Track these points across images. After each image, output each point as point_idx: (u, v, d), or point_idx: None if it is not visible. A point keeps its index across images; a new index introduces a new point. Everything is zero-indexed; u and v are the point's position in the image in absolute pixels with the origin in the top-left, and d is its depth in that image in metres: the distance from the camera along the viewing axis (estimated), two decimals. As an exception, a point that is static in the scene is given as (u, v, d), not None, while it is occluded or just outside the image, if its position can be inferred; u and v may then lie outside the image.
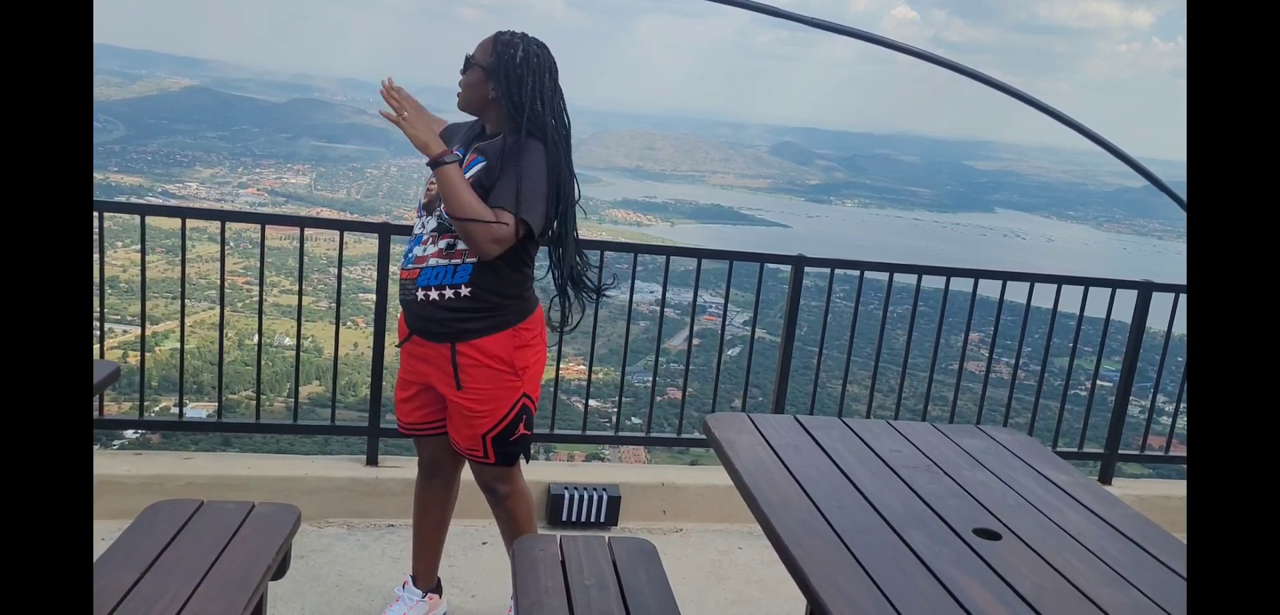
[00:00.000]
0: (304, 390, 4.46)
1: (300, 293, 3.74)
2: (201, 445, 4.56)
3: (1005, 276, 4.06)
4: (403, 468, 3.57)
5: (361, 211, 26.40)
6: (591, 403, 4.17)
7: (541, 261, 2.62)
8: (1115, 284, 4.12)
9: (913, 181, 48.15)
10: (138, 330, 3.64)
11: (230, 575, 2.03)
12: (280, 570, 2.27)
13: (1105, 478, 4.24)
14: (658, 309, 3.89)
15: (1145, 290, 4.08)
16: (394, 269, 3.55)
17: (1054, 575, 1.70)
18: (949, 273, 3.98)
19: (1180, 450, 4.50)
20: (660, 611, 2.15)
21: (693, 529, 3.72)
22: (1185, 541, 1.53)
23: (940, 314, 4.06)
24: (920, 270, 3.99)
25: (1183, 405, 4.43)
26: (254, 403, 3.75)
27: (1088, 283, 4.11)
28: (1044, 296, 4.10)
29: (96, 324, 3.34)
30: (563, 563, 2.30)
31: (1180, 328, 4.38)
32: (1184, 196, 1.20)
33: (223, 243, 3.47)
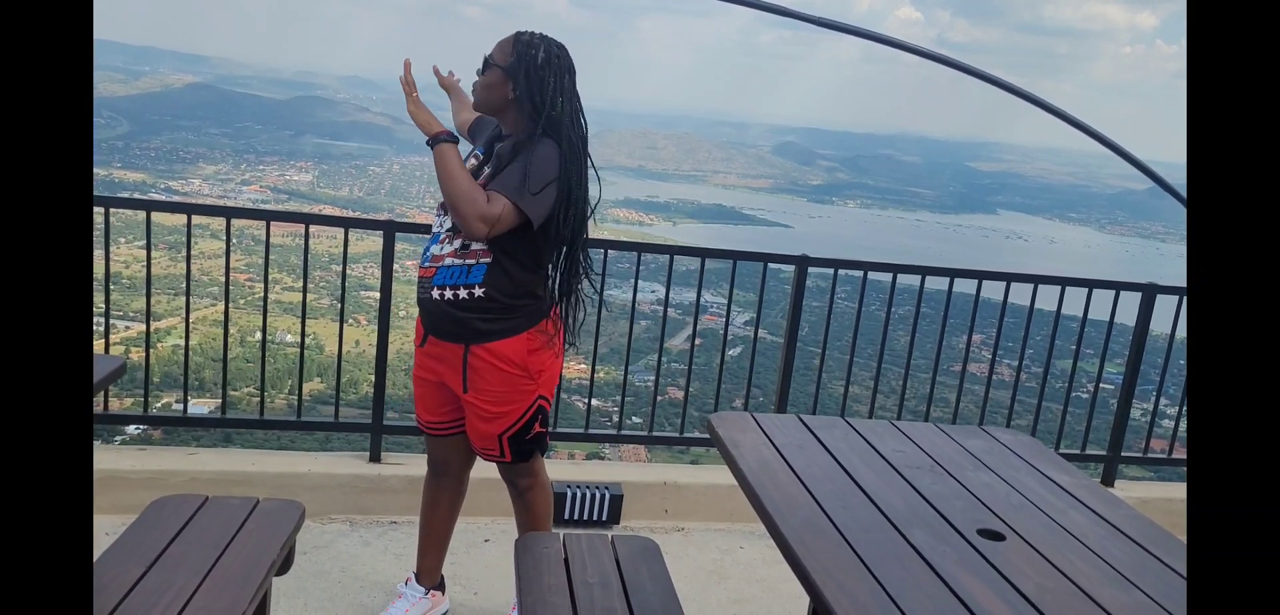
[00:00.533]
0: (307, 387, 4.47)
1: (305, 290, 3.74)
2: (204, 442, 4.57)
3: (1008, 278, 4.06)
4: (406, 465, 3.58)
5: (364, 209, 26.41)
6: (594, 402, 4.18)
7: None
8: (1119, 286, 4.11)
9: (915, 182, 48.10)
10: (141, 326, 3.65)
11: (235, 570, 2.04)
12: (284, 566, 2.28)
13: (1108, 480, 4.24)
14: (660, 309, 3.89)
15: (1149, 293, 4.07)
16: (399, 267, 3.57)
17: (1057, 576, 1.71)
18: (952, 274, 3.98)
19: (1182, 454, 4.50)
20: (663, 609, 2.16)
21: (694, 528, 3.72)
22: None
23: (943, 315, 4.06)
24: (924, 271, 3.99)
25: (1186, 408, 4.43)
26: (257, 399, 3.76)
27: (1091, 284, 4.11)
28: (1047, 298, 4.10)
29: (100, 320, 3.35)
30: (566, 560, 2.30)
31: (1184, 330, 4.38)
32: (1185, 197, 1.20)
33: (228, 239, 3.47)
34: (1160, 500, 4.10)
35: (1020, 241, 37.97)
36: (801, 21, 1.80)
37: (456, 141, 2.44)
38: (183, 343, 3.64)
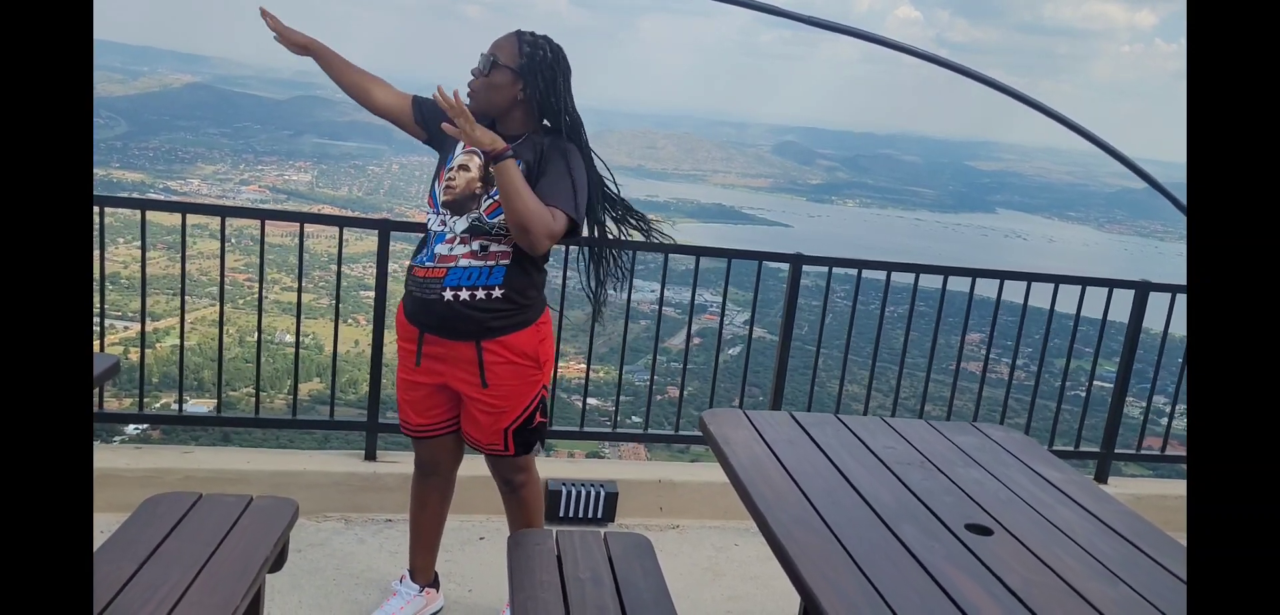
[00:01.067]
0: (304, 387, 4.47)
1: (300, 289, 3.75)
2: (201, 441, 4.58)
3: (1003, 276, 4.07)
4: (401, 463, 3.58)
5: (363, 209, 26.41)
6: (590, 401, 4.18)
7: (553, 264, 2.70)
8: (1112, 284, 4.12)
9: (914, 182, 48.11)
10: (139, 326, 3.65)
11: (228, 567, 2.04)
12: (278, 562, 2.29)
13: (1101, 477, 4.25)
14: (657, 307, 3.90)
15: (1142, 290, 4.09)
16: (395, 266, 3.57)
17: (1044, 570, 1.72)
18: (947, 272, 3.99)
19: (1176, 450, 4.51)
20: (655, 605, 2.17)
21: (689, 525, 3.73)
22: (1182, 541, 1.53)
23: (938, 313, 4.07)
24: (918, 269, 4.00)
25: (1180, 405, 4.44)
26: (254, 399, 3.77)
27: (1085, 282, 4.12)
28: (1042, 296, 4.11)
29: (97, 319, 3.36)
30: (558, 557, 2.31)
31: (1177, 328, 4.39)
32: (1184, 198, 1.20)
33: (223, 239, 3.48)
34: (1154, 496, 4.11)
35: (1019, 240, 37.99)
36: (801, 23, 1.80)
37: (516, 157, 2.36)
38: (180, 343, 3.65)
